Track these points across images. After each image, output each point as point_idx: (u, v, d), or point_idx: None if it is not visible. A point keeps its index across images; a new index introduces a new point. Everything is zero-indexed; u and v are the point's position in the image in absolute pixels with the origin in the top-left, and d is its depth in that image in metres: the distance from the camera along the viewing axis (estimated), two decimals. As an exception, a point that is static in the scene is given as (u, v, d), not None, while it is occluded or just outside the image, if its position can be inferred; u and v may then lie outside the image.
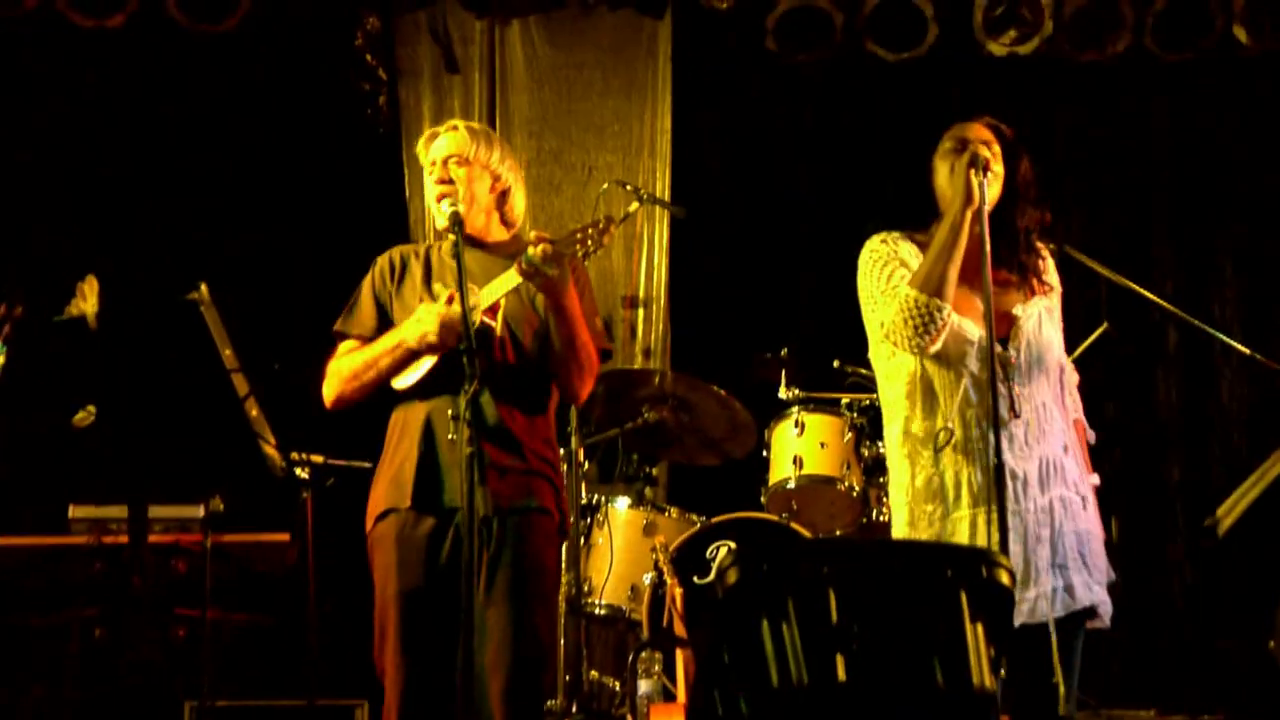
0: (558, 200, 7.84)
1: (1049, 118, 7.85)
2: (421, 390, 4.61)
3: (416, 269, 4.78)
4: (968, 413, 4.21)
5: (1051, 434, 4.28)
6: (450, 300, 4.51)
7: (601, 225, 4.42)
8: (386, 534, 4.58)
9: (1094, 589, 4.25)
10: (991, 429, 4.06)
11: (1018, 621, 4.07)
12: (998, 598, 3.50)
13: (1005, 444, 4.15)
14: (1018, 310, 4.32)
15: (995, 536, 4.06)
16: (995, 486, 4.01)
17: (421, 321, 4.53)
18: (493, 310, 4.59)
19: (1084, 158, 7.93)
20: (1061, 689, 4.09)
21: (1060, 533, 4.22)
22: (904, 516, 4.27)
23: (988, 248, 4.11)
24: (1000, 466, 4.02)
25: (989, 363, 4.06)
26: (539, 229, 4.99)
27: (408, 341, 4.56)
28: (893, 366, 4.34)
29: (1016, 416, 4.21)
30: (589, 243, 4.40)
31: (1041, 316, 4.35)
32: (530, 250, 4.37)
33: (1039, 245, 4.43)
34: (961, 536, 4.16)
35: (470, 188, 4.71)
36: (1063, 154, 7.85)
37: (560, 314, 4.51)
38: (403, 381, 4.63)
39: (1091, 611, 4.25)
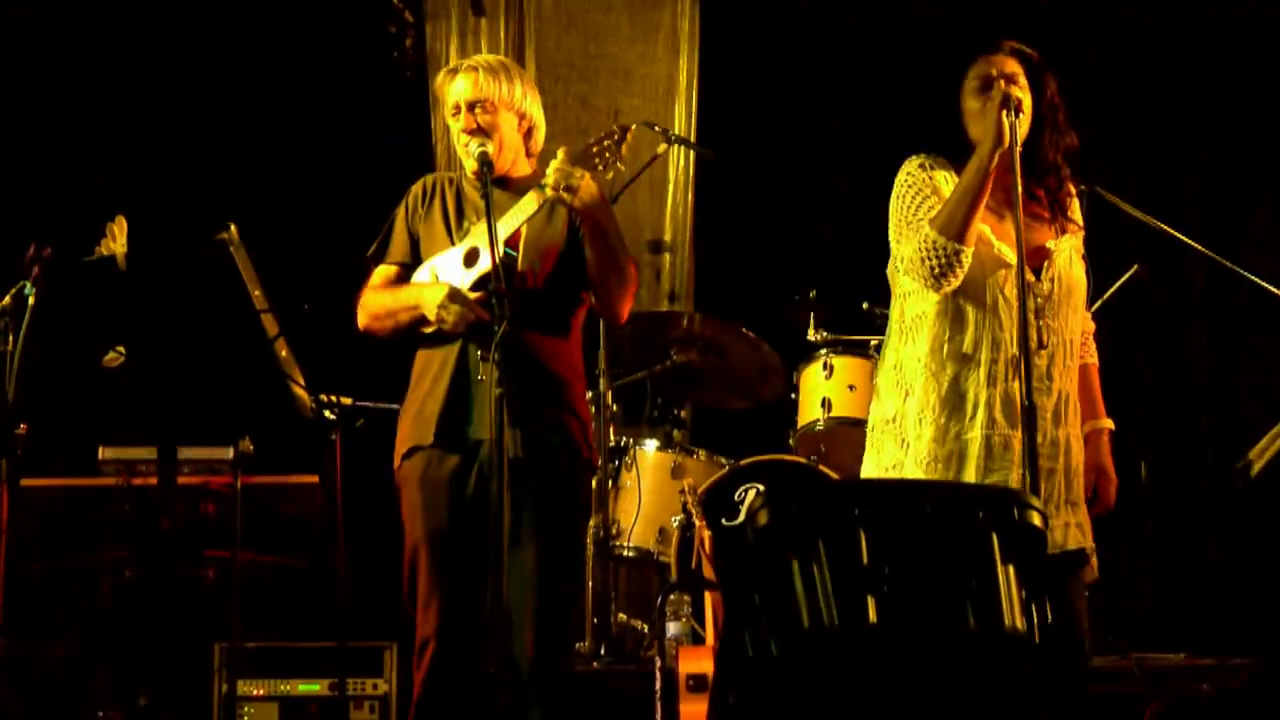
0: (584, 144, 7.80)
1: (1081, 53, 7.80)
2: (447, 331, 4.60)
3: (450, 199, 4.76)
4: (999, 335, 4.18)
5: (1069, 371, 4.27)
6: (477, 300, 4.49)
7: (616, 135, 4.36)
8: (412, 474, 4.59)
9: (1089, 534, 4.25)
10: (1023, 357, 4.02)
11: None
12: (1029, 539, 3.49)
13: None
14: (1051, 244, 4.29)
15: (1008, 460, 4.09)
16: (1025, 418, 3.98)
17: (436, 300, 4.51)
18: (514, 239, 4.55)
19: (1115, 96, 7.88)
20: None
21: (1069, 469, 4.22)
22: (927, 432, 4.18)
23: (1019, 189, 4.07)
24: (1031, 402, 3.98)
25: (1020, 293, 4.03)
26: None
27: (421, 309, 4.55)
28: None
29: (1042, 348, 4.19)
30: (606, 154, 4.36)
31: (1072, 254, 4.33)
32: (549, 172, 4.36)
33: (1069, 181, 4.39)
34: (971, 456, 4.12)
35: (500, 133, 4.68)
36: (1094, 93, 7.80)
37: (597, 231, 4.48)
38: (426, 327, 4.62)
39: (1083, 556, 4.24)
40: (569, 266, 4.60)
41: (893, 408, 4.29)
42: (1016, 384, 4.13)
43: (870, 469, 4.35)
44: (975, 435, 4.15)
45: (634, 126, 4.43)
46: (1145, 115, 7.93)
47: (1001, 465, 4.13)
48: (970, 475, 4.11)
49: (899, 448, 4.25)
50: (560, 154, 4.39)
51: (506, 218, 4.47)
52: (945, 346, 4.20)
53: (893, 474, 4.22)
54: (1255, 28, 7.77)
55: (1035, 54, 4.35)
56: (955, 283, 4.13)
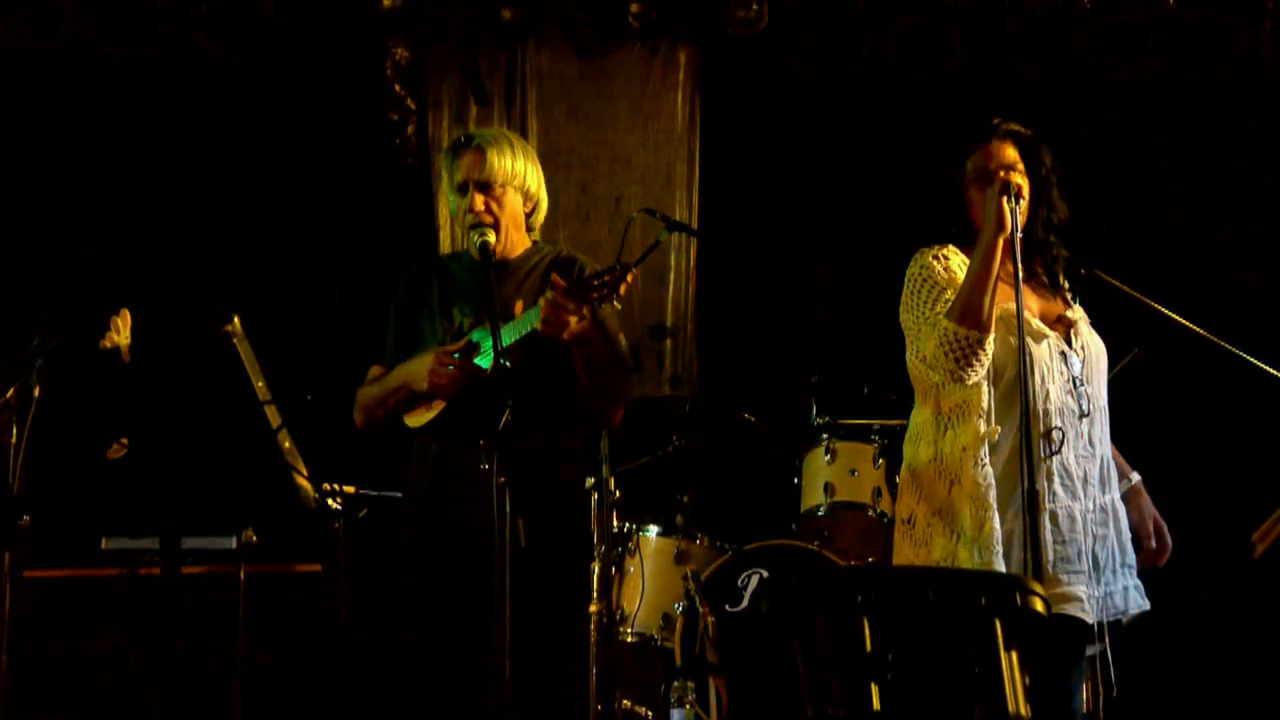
0: (587, 230, 7.84)
1: (1073, 133, 7.85)
2: (438, 426, 4.61)
3: (435, 288, 4.78)
4: (1046, 406, 4.15)
5: (1108, 437, 4.29)
6: (464, 350, 4.50)
7: (618, 272, 4.33)
8: (413, 567, 4.60)
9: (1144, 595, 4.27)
10: (1024, 442, 4.02)
11: (1092, 618, 4.10)
12: (1033, 625, 3.49)
13: (1072, 441, 4.17)
14: (1070, 314, 4.32)
15: (1076, 532, 4.12)
16: (1028, 498, 3.96)
17: (425, 368, 4.53)
18: (508, 349, 4.54)
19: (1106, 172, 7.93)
20: (1102, 691, 4.12)
21: (1120, 533, 4.23)
22: (988, 518, 4.12)
23: (1019, 272, 4.09)
24: (1034, 488, 3.97)
25: (1022, 371, 4.03)
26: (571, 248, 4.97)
27: (412, 385, 4.57)
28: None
29: (1085, 415, 4.20)
30: (605, 289, 4.32)
31: (1086, 322, 4.36)
32: (542, 303, 4.34)
33: (1061, 254, 4.41)
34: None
35: (507, 216, 4.70)
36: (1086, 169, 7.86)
37: (587, 356, 4.49)
38: (415, 420, 4.64)
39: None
40: (567, 361, 4.60)
41: (938, 500, 4.24)
42: (1071, 454, 4.15)
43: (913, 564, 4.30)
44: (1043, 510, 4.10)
45: (635, 269, 4.39)
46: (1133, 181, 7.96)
47: (1071, 537, 4.13)
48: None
49: (949, 539, 4.20)
50: (555, 285, 4.36)
51: (508, 329, 4.44)
52: (997, 429, 4.19)
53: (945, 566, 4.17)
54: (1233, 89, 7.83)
55: (1029, 132, 4.39)
56: (981, 371, 4.12)
